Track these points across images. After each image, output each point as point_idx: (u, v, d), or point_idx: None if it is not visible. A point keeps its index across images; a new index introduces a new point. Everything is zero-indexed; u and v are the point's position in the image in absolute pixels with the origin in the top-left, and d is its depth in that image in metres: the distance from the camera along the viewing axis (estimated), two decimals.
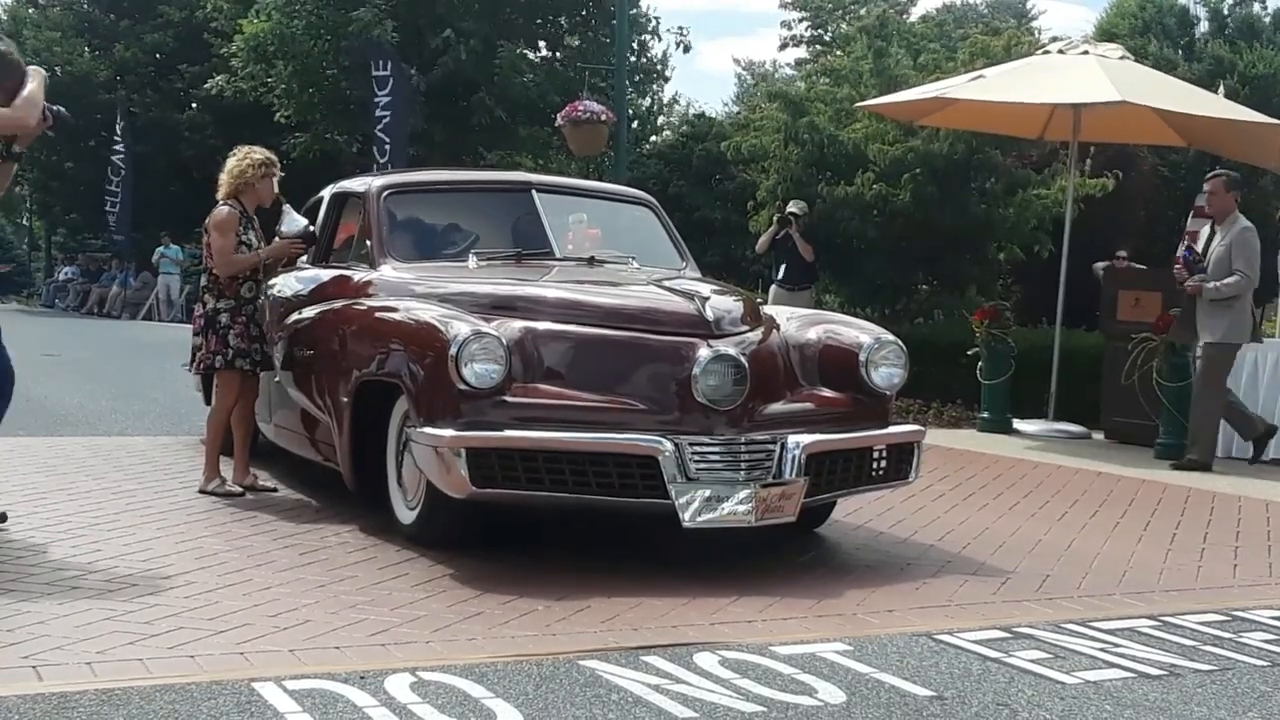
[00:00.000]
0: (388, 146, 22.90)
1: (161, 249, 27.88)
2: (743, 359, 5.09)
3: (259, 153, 6.57)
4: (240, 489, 6.47)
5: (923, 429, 5.97)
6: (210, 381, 6.86)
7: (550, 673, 3.74)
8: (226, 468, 6.56)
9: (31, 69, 5.34)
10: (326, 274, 6.71)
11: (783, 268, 12.64)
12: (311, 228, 6.84)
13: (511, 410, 4.96)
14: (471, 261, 6.17)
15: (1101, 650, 4.21)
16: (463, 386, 4.90)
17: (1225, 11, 19.07)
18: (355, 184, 7.08)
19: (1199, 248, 8.91)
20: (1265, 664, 4.15)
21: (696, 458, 4.94)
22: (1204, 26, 19.07)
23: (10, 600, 4.32)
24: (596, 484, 4.93)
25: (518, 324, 5.22)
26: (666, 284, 5.74)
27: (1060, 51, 10.98)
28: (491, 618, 4.33)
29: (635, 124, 27.27)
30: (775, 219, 12.69)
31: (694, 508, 4.91)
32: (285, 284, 6.94)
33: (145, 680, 3.55)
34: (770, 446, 5.08)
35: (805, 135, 13.47)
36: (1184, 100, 10.42)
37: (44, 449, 7.16)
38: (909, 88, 12.31)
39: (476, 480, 4.85)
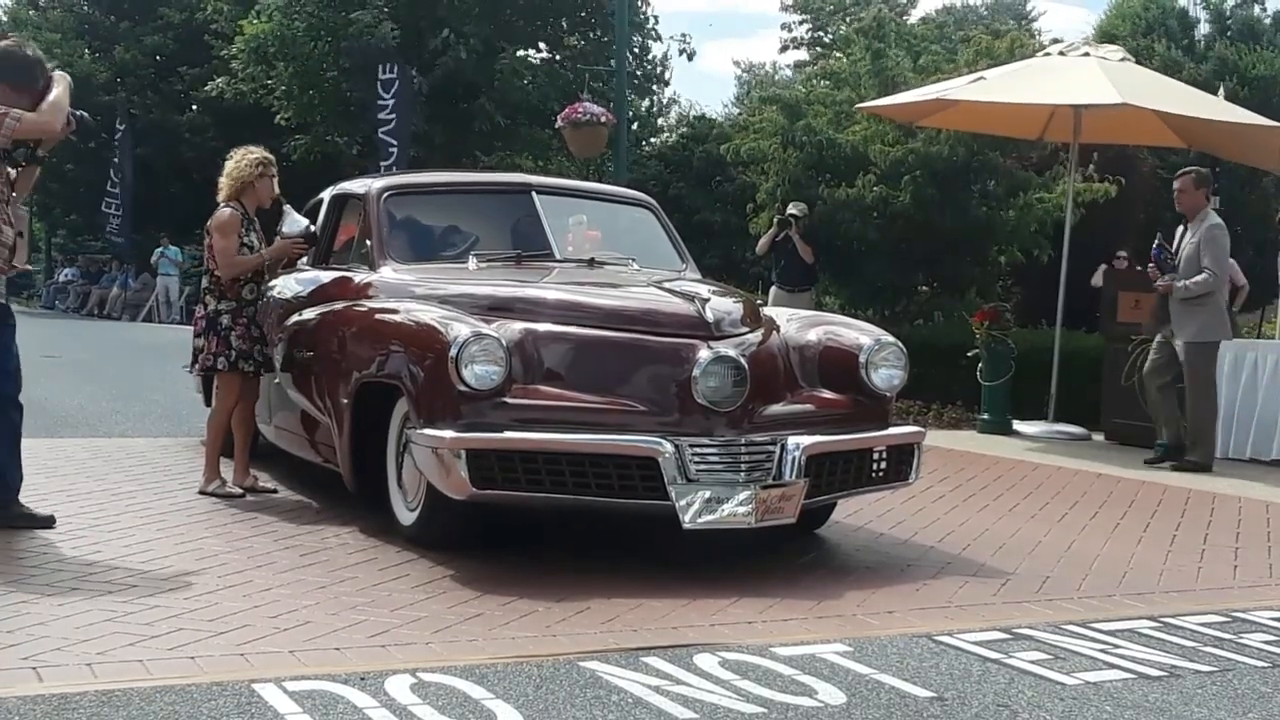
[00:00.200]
0: (393, 150, 23.00)
1: (161, 250, 27.90)
2: (743, 360, 5.09)
3: (256, 152, 6.58)
4: (240, 490, 6.47)
5: (923, 430, 5.97)
6: (210, 383, 6.86)
7: (550, 674, 3.74)
8: (227, 469, 6.56)
9: (57, 74, 5.40)
10: (326, 275, 6.71)
11: (783, 269, 12.66)
12: (313, 227, 6.84)
13: (511, 412, 4.96)
14: (471, 263, 6.17)
15: (1102, 651, 4.21)
16: (463, 388, 4.90)
17: (1227, 13, 19.08)
18: (355, 186, 7.09)
19: (1173, 247, 8.90)
20: (1265, 665, 4.15)
21: (696, 459, 4.94)
22: (1204, 28, 19.08)
23: (10, 601, 4.32)
24: (596, 485, 4.93)
25: (518, 325, 5.22)
26: (666, 285, 5.75)
27: (1061, 53, 10.99)
28: (492, 619, 4.33)
29: (635, 126, 27.27)
30: (775, 220, 12.70)
31: (694, 509, 4.91)
32: (285, 285, 6.95)
33: (145, 681, 3.55)
34: (770, 448, 5.08)
35: (803, 138, 13.47)
36: (1184, 103, 10.42)
37: (44, 450, 7.16)
38: (908, 89, 12.31)
39: (476, 481, 4.85)
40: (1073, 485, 7.94)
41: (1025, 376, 10.65)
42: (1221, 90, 12.23)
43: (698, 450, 4.95)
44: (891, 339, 5.65)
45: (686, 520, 4.90)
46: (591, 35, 27.29)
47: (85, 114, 5.51)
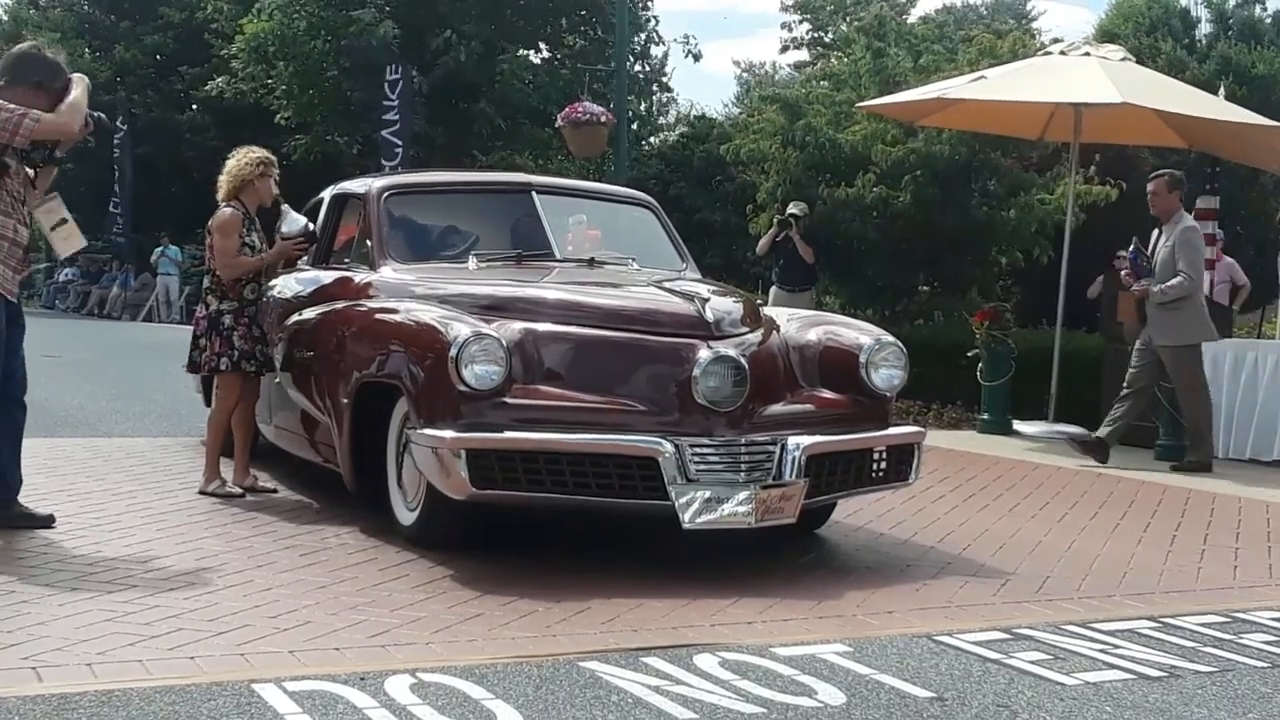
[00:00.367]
0: (398, 150, 23.07)
1: (161, 250, 27.90)
2: (743, 360, 5.09)
3: (257, 152, 6.58)
4: (240, 490, 6.47)
5: (923, 430, 5.97)
6: (210, 383, 6.86)
7: (550, 674, 3.74)
8: (227, 469, 6.56)
9: (76, 76, 5.46)
10: (326, 275, 6.71)
11: (783, 269, 12.66)
12: (312, 226, 6.84)
13: (511, 411, 4.96)
14: (471, 263, 6.17)
15: (1101, 651, 4.21)
16: (463, 388, 4.90)
17: (1228, 13, 19.08)
18: (355, 185, 7.09)
19: (1149, 250, 8.88)
20: (1265, 665, 4.15)
21: (696, 459, 4.94)
22: (1205, 28, 19.09)
23: (10, 601, 4.32)
24: (596, 485, 4.93)
25: (518, 325, 5.22)
26: (666, 285, 5.75)
27: (1061, 53, 10.98)
28: (491, 619, 4.33)
29: (634, 126, 27.27)
30: (775, 221, 12.69)
31: (694, 509, 4.91)
32: (285, 285, 6.95)
33: (145, 681, 3.55)
34: (770, 448, 5.08)
35: (804, 138, 13.46)
36: (1185, 102, 10.41)
37: (44, 450, 7.16)
38: (908, 89, 12.31)
39: (476, 481, 4.85)
40: (1073, 485, 7.94)
41: (1025, 377, 10.65)
42: (1222, 90, 12.23)
43: (698, 450, 4.95)
44: (891, 339, 5.65)
45: (686, 520, 4.90)
46: (592, 35, 27.28)
47: (103, 116, 5.61)
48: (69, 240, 5.79)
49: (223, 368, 6.39)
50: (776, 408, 5.27)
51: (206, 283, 6.61)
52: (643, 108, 29.93)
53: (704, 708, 3.51)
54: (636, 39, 27.81)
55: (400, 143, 23.27)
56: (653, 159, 27.55)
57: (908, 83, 12.99)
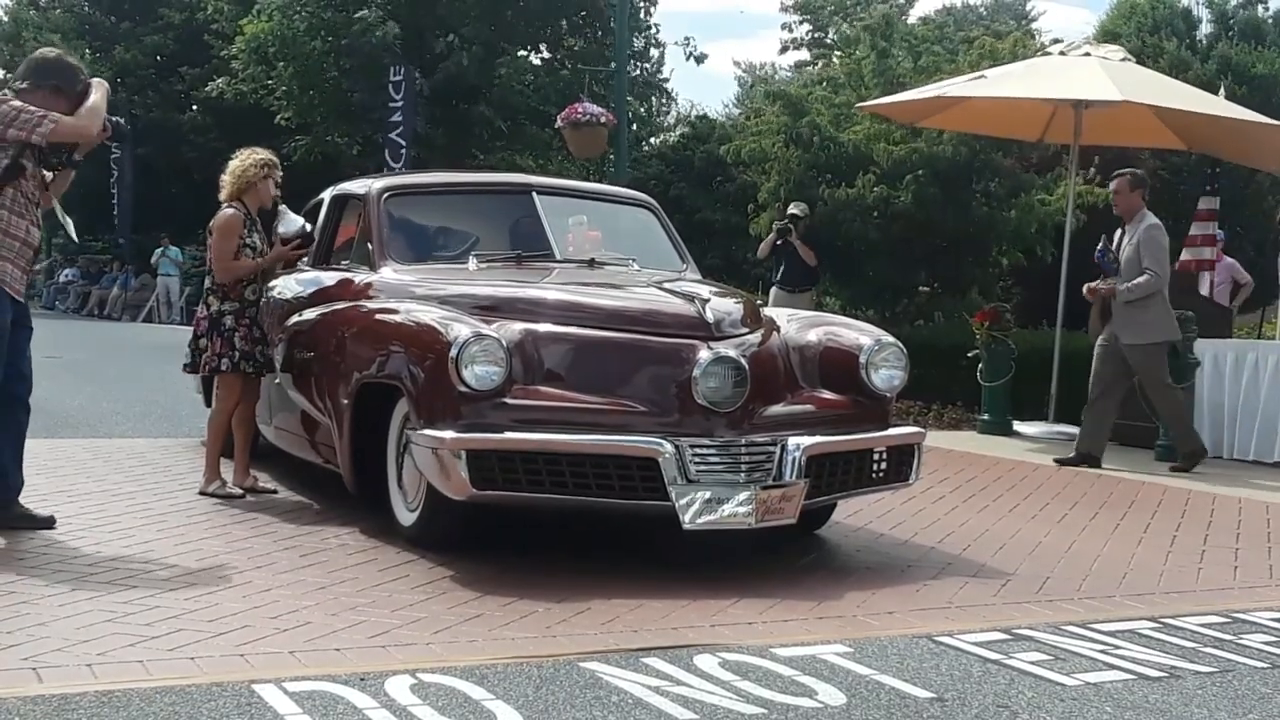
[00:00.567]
0: (402, 151, 23.16)
1: (161, 250, 27.91)
2: (743, 361, 5.09)
3: (260, 153, 6.58)
4: (240, 491, 6.47)
5: (923, 431, 5.97)
6: (211, 383, 6.86)
7: (550, 674, 3.74)
8: (227, 470, 6.56)
9: (95, 81, 5.52)
10: (327, 276, 6.71)
11: (783, 270, 12.66)
12: (310, 228, 6.84)
13: (512, 412, 4.96)
14: (472, 263, 6.17)
15: (1102, 652, 4.21)
16: (463, 388, 4.90)
17: (1229, 13, 19.09)
18: (355, 186, 7.09)
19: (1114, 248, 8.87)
20: (1265, 666, 4.15)
21: (697, 459, 4.94)
22: (1206, 28, 19.10)
23: (11, 601, 4.32)
24: (597, 486, 4.93)
25: (518, 326, 5.22)
26: (667, 286, 5.75)
27: (1061, 53, 10.99)
28: (492, 619, 4.33)
29: (634, 127, 27.28)
30: (775, 226, 12.65)
31: (694, 509, 4.90)
32: (285, 286, 6.95)
33: (145, 682, 3.55)
34: (770, 448, 5.08)
35: (809, 136, 13.44)
36: (1185, 101, 10.42)
37: (45, 451, 7.16)
38: (909, 89, 12.31)
39: (477, 482, 4.85)
40: (1073, 486, 7.94)
41: (1025, 377, 10.65)
42: (1222, 90, 12.23)
43: (698, 451, 4.95)
44: (892, 339, 5.65)
45: (686, 521, 4.90)
46: (592, 37, 27.27)
47: (121, 120, 5.66)
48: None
49: (223, 368, 6.39)
50: (777, 408, 5.27)
51: (208, 283, 6.61)
52: (643, 109, 29.95)
53: (704, 708, 3.51)
54: (636, 40, 27.80)
55: (404, 144, 23.37)
56: (653, 159, 27.57)
57: (909, 84, 12.99)
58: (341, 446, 5.74)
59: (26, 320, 5.51)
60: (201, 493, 6.41)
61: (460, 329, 5.02)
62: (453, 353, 4.90)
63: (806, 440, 5.15)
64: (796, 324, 5.82)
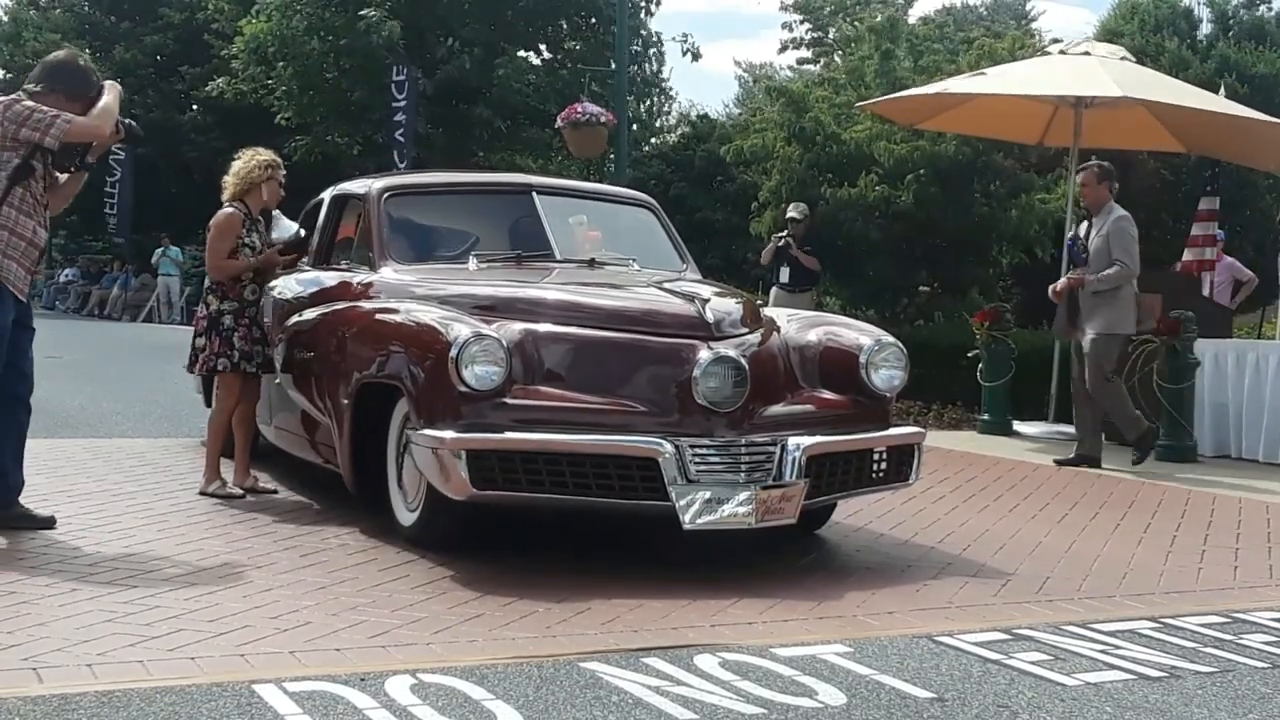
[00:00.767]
0: (405, 151, 23.17)
1: (162, 250, 27.91)
2: (743, 361, 5.09)
3: (263, 154, 6.59)
4: (241, 491, 6.47)
5: (923, 431, 5.97)
6: (211, 383, 6.87)
7: (551, 674, 3.74)
8: (227, 470, 6.56)
9: (108, 83, 5.56)
10: (327, 276, 6.71)
11: (784, 270, 12.67)
12: (303, 232, 6.84)
13: (512, 412, 4.96)
14: (472, 263, 6.17)
15: (1102, 652, 4.21)
16: (463, 388, 4.90)
17: (1229, 13, 19.10)
18: (355, 186, 7.09)
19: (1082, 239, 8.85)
20: (1265, 666, 4.15)
21: (697, 460, 4.94)
22: (1207, 28, 19.11)
23: (11, 601, 4.33)
24: (597, 486, 4.93)
25: (518, 326, 5.22)
26: (667, 286, 5.75)
27: (1061, 52, 10.99)
28: (492, 619, 4.33)
29: (634, 127, 27.27)
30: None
31: (694, 509, 4.91)
32: (286, 286, 6.95)
33: (145, 682, 3.55)
34: (770, 448, 5.08)
35: (811, 132, 13.43)
36: (1184, 99, 10.41)
37: (45, 451, 7.16)
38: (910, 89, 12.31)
39: (477, 482, 4.85)
40: (1073, 486, 7.94)
41: (1025, 377, 10.65)
42: (1222, 90, 12.23)
43: (698, 451, 4.95)
44: (892, 339, 5.65)
45: (686, 521, 4.90)
46: (591, 39, 27.26)
47: (133, 123, 5.67)
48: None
49: (221, 368, 6.39)
50: (777, 408, 5.27)
51: (208, 283, 6.62)
52: (643, 108, 29.95)
53: (704, 708, 3.51)
54: (635, 42, 27.78)
55: (405, 143, 23.39)
56: (653, 159, 27.55)
57: (910, 84, 12.99)
58: (341, 446, 5.74)
59: (29, 320, 5.52)
60: (202, 493, 6.41)
61: (460, 329, 5.02)
62: (453, 353, 4.90)
63: (806, 440, 5.15)
64: (796, 324, 5.82)
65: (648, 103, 31.02)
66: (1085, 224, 8.87)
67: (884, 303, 14.23)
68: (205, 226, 6.61)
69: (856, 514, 6.42)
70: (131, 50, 32.48)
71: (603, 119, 14.46)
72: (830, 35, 38.56)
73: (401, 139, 23.49)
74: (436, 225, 6.79)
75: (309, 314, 6.43)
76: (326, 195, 7.37)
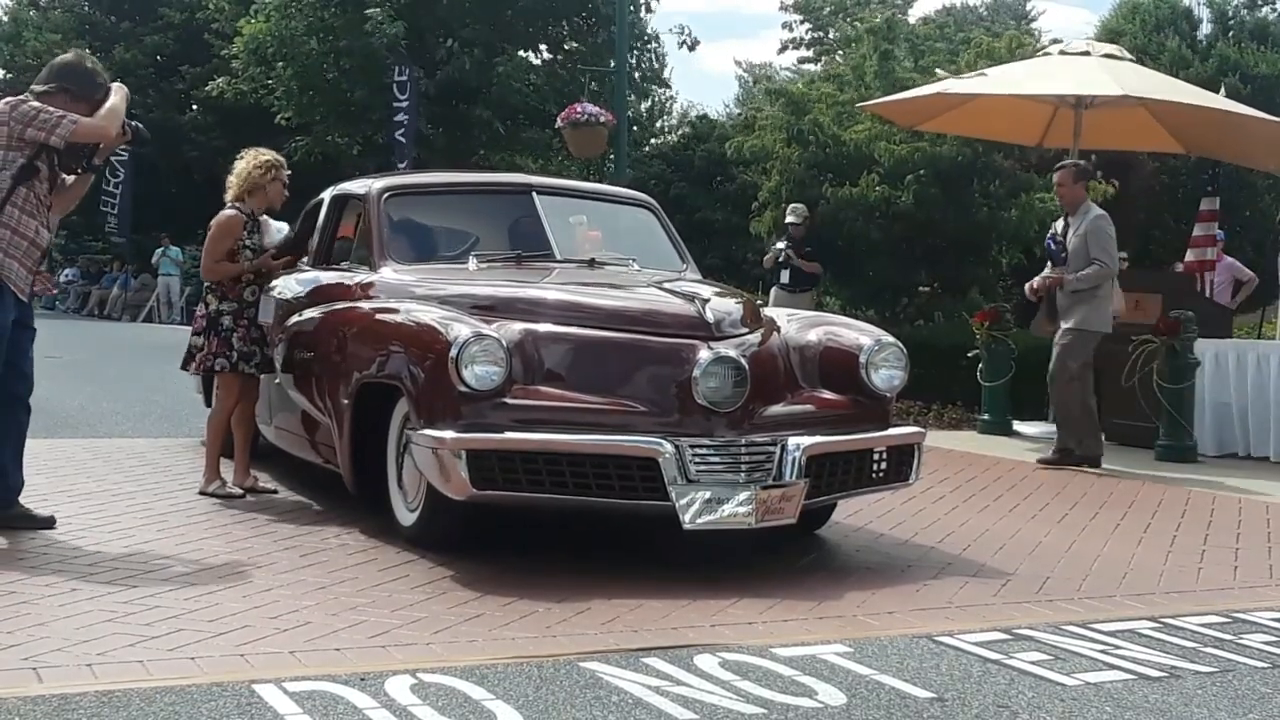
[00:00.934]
0: (406, 151, 23.17)
1: (162, 250, 27.90)
2: (743, 361, 5.09)
3: (267, 155, 6.59)
4: (241, 491, 6.47)
5: (923, 431, 5.97)
6: (210, 383, 6.87)
7: (551, 674, 3.74)
8: (227, 470, 6.56)
9: (115, 85, 5.58)
10: (327, 276, 6.71)
11: (784, 271, 12.70)
12: (292, 233, 6.83)
13: (512, 412, 4.96)
14: (472, 263, 6.17)
15: (1102, 652, 4.21)
16: (463, 388, 4.90)
17: (1230, 13, 19.13)
18: (355, 186, 7.08)
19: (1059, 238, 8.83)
20: (1266, 666, 4.15)
21: (697, 459, 4.94)
22: (1206, 28, 19.14)
23: (11, 601, 4.33)
24: (597, 486, 4.93)
25: (518, 326, 5.22)
26: (667, 286, 5.75)
27: (1062, 52, 10.99)
28: (492, 619, 4.33)
29: (635, 128, 27.28)
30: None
31: (694, 509, 4.90)
32: (285, 286, 6.94)
33: (145, 682, 3.55)
34: (770, 448, 5.08)
35: (810, 135, 13.44)
36: (1184, 98, 10.41)
37: (44, 451, 7.16)
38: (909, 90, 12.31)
39: (477, 482, 4.85)
40: (1073, 486, 7.94)
41: (1025, 377, 10.62)
42: (1223, 89, 12.23)
43: (698, 451, 4.95)
44: (892, 339, 5.65)
45: (687, 521, 4.90)
46: (591, 40, 27.25)
47: (140, 125, 5.68)
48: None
49: (219, 368, 6.40)
50: (777, 408, 5.27)
51: (207, 283, 6.62)
52: (643, 107, 29.96)
53: (704, 708, 3.51)
54: (636, 43, 27.79)
55: (406, 143, 23.40)
56: (654, 159, 27.56)
57: (910, 85, 12.99)
58: (341, 446, 5.74)
59: (30, 320, 5.53)
60: (201, 493, 6.41)
61: (460, 329, 5.02)
62: (453, 353, 4.90)
63: (806, 440, 5.15)
64: (796, 324, 5.82)
65: (648, 102, 31.04)
66: (1062, 223, 8.86)
67: (884, 303, 14.23)
68: (206, 226, 6.60)
69: (856, 514, 6.42)
70: (131, 50, 32.47)
71: (603, 119, 14.46)
72: (830, 35, 38.57)
73: (403, 139, 23.50)
74: (436, 225, 6.79)
75: (309, 314, 6.43)
76: (326, 195, 7.37)
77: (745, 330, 5.40)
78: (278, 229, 6.67)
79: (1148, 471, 8.63)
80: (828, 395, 5.49)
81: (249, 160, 6.55)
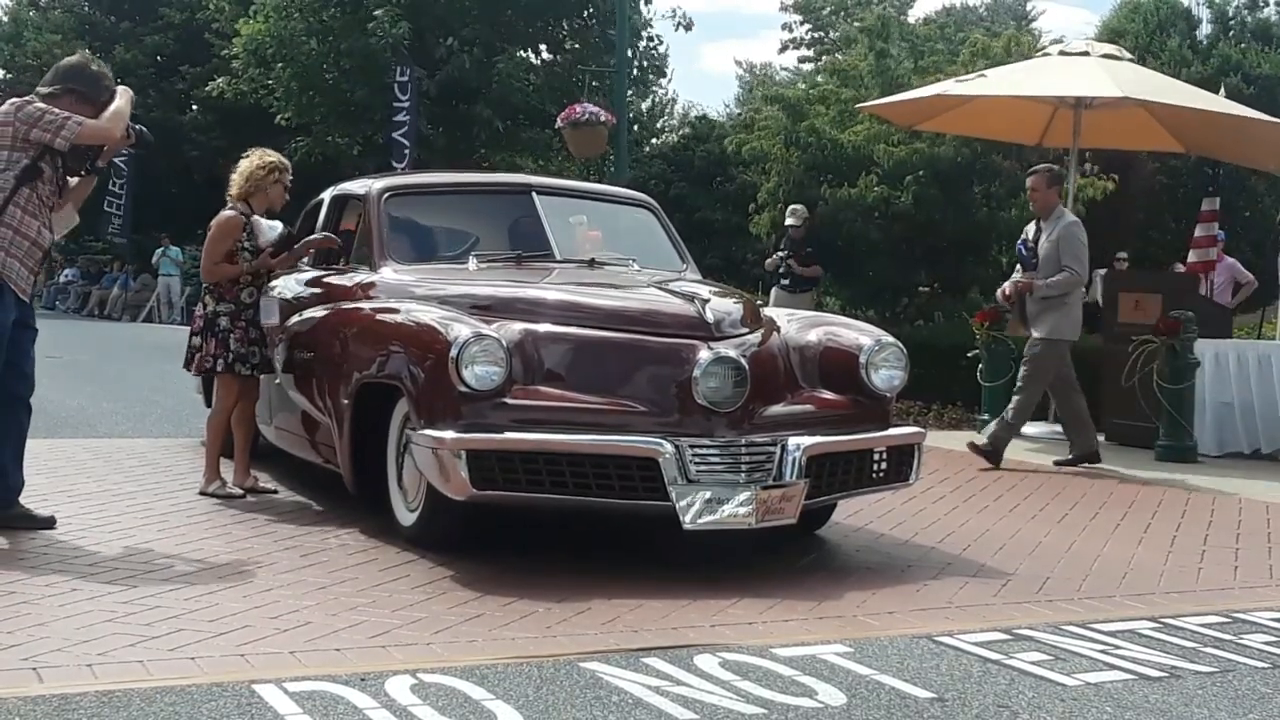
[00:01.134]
0: (406, 151, 23.17)
1: (162, 250, 27.90)
2: (743, 361, 5.09)
3: (270, 155, 6.59)
4: (241, 491, 6.47)
5: (923, 431, 5.97)
6: (210, 384, 6.87)
7: (551, 674, 3.74)
8: (227, 470, 6.56)
9: (120, 88, 5.59)
10: (327, 276, 6.71)
11: (785, 271, 12.71)
12: (289, 229, 6.82)
13: (512, 412, 4.96)
14: (472, 263, 6.17)
15: (1102, 652, 4.21)
16: (463, 388, 4.90)
17: (1230, 14, 19.14)
18: (355, 186, 7.09)
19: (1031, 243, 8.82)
20: (1266, 666, 4.15)
21: (697, 460, 4.94)
22: (1206, 28, 19.15)
23: (11, 601, 4.33)
24: (597, 486, 4.93)
25: (518, 326, 5.22)
26: (667, 286, 5.75)
27: (1061, 53, 10.99)
28: (492, 619, 4.33)
29: (635, 127, 27.29)
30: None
31: (694, 510, 4.90)
32: (285, 286, 6.94)
33: (146, 682, 3.55)
34: (771, 448, 5.08)
35: (807, 139, 13.47)
36: (1183, 99, 10.42)
37: (44, 451, 7.16)
38: (909, 90, 12.32)
39: (477, 482, 4.85)
40: (1073, 486, 7.94)
41: None
42: (1223, 89, 12.24)
43: (698, 451, 4.95)
44: (892, 339, 5.65)
45: (687, 521, 4.90)
46: (591, 41, 27.25)
47: (144, 129, 5.69)
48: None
49: (216, 369, 6.39)
50: (777, 408, 5.27)
51: (205, 283, 6.62)
52: (644, 106, 29.96)
53: (704, 708, 3.51)
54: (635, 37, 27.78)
55: (408, 144, 23.40)
56: (654, 159, 27.57)
57: (909, 85, 13.00)
58: (341, 446, 5.74)
59: (31, 320, 5.53)
60: (202, 493, 6.41)
61: (460, 329, 5.02)
62: (453, 353, 4.90)
63: (806, 440, 5.15)
64: (796, 324, 5.82)
65: (649, 101, 31.04)
66: (1034, 227, 8.85)
67: (884, 303, 14.24)
68: (206, 226, 6.60)
69: (856, 514, 6.42)
70: (132, 50, 32.47)
71: (603, 119, 14.44)
72: (831, 35, 38.57)
73: (403, 139, 23.48)
74: (436, 225, 6.79)
75: (309, 314, 6.43)
76: (326, 195, 7.37)
77: (745, 330, 5.40)
78: (270, 227, 6.63)
79: (1148, 471, 8.63)
80: (828, 395, 5.49)
81: (253, 160, 6.55)
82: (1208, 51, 17.69)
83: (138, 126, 5.61)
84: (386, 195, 6.55)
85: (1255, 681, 3.98)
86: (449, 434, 4.88)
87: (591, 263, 6.30)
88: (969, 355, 10.77)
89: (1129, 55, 11.24)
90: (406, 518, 5.45)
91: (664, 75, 32.30)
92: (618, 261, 6.42)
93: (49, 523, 5.49)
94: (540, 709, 3.46)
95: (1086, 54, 10.46)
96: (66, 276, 33.73)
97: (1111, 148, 12.60)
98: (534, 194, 6.67)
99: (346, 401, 5.65)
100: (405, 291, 5.92)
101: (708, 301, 5.40)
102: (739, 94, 50.11)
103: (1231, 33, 18.50)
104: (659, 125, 34.61)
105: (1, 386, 5.39)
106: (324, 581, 4.78)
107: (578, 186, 8.12)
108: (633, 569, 5.14)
